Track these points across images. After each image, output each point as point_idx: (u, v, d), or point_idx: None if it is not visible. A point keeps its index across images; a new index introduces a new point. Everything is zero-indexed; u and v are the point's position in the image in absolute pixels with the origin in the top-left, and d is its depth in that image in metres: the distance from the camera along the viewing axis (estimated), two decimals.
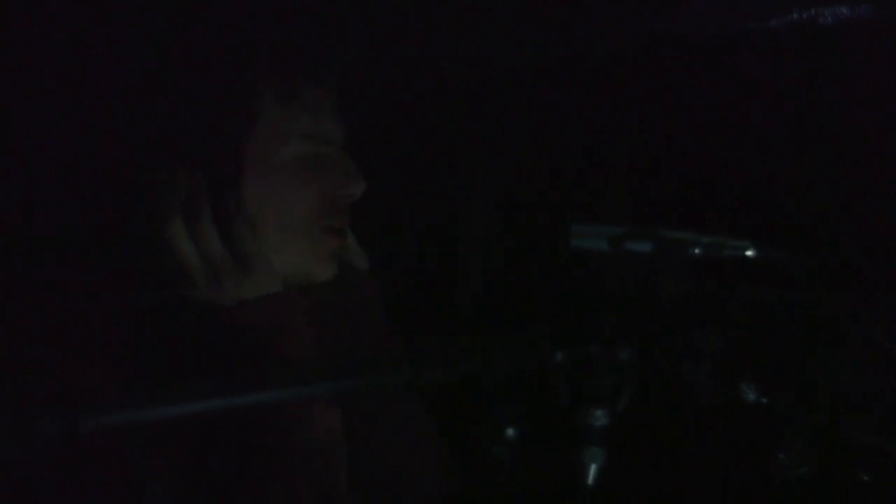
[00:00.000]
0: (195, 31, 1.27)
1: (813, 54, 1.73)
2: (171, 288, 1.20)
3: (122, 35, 1.27)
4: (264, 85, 1.27)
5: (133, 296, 1.21)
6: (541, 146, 2.03)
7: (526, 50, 1.94)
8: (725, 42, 1.80)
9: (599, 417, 1.00)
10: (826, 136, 1.75)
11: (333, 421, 1.24)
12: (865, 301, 1.21)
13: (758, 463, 1.06)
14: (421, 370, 0.99)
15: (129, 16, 1.27)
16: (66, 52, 1.29)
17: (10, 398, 1.09)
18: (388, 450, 1.37)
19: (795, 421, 1.04)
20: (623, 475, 1.04)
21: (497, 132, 2.07)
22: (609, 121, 1.97)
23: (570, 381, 1.00)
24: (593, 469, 1.00)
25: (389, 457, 1.37)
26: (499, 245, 2.11)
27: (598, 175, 2.01)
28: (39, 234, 1.26)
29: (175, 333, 1.18)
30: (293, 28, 1.32)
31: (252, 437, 1.16)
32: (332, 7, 1.40)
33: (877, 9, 1.64)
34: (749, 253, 1.07)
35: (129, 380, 1.13)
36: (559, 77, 1.97)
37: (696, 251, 1.07)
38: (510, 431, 1.03)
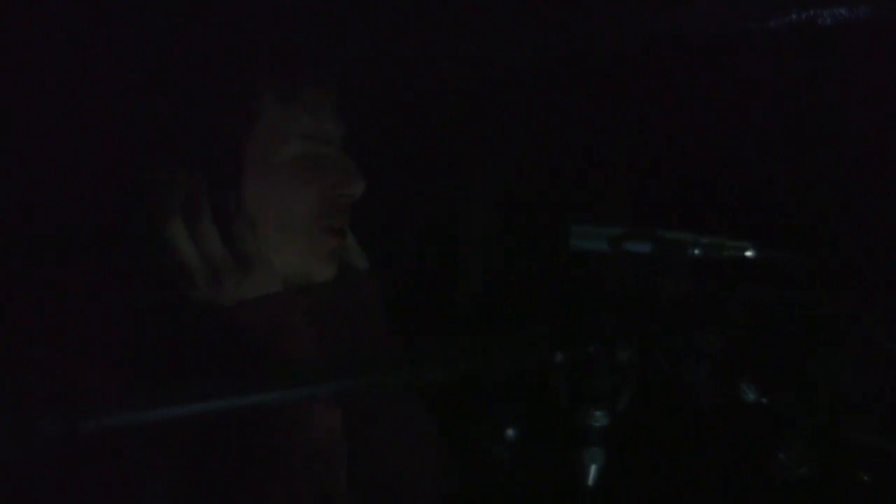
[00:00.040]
0: (195, 31, 1.27)
1: (812, 55, 1.73)
2: (172, 288, 1.20)
3: (122, 35, 1.27)
4: (264, 85, 1.27)
5: (133, 296, 1.21)
6: (541, 146, 2.03)
7: (526, 50, 1.94)
8: (725, 42, 1.80)
9: (599, 418, 1.00)
10: (826, 136, 1.75)
11: (333, 421, 1.24)
12: (865, 301, 1.21)
13: (758, 463, 1.06)
14: (421, 370, 0.99)
15: (130, 16, 1.27)
16: (67, 53, 1.29)
17: (10, 398, 1.09)
18: (388, 450, 1.36)
19: (795, 421, 1.04)
20: (623, 475, 1.04)
21: (497, 132, 2.07)
22: (609, 121, 1.97)
23: (570, 381, 1.00)
24: (593, 469, 1.00)
25: (389, 457, 1.37)
26: (499, 245, 2.11)
27: (598, 175, 2.01)
28: (39, 234, 1.26)
29: (175, 333, 1.18)
30: (293, 28, 1.32)
31: (252, 438, 1.16)
32: (332, 7, 1.40)
33: (875, 10, 1.64)
34: (748, 253, 1.07)
35: (129, 380, 1.13)
36: (559, 77, 1.97)
37: (696, 252, 1.07)
38: (510, 431, 1.03)
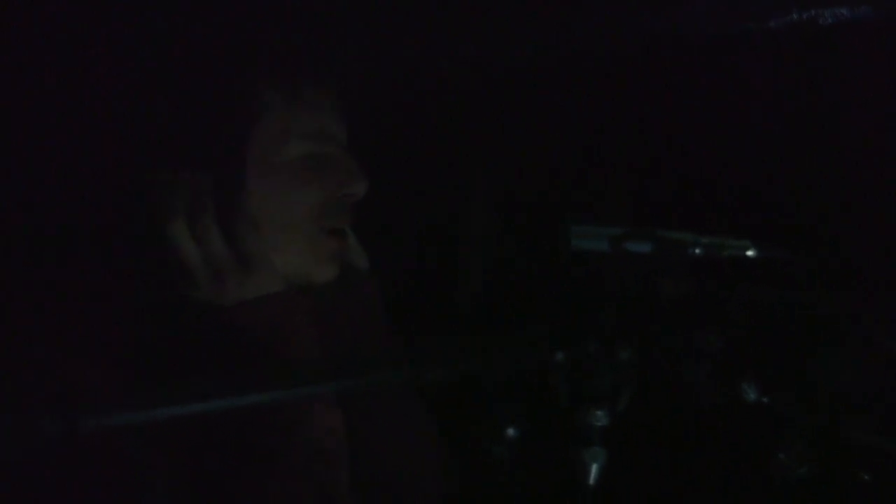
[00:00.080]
0: (198, 31, 1.27)
1: (813, 54, 1.73)
2: (174, 288, 1.21)
3: (124, 36, 1.27)
4: (266, 85, 1.27)
5: (135, 296, 1.21)
6: (541, 146, 2.03)
7: (526, 50, 1.94)
8: (725, 42, 1.80)
9: (600, 417, 1.00)
10: (826, 136, 1.75)
11: (334, 421, 1.24)
12: (865, 301, 1.21)
13: (758, 462, 1.06)
14: (421, 370, 0.99)
15: (133, 16, 1.27)
16: (70, 53, 1.29)
17: (10, 398, 1.09)
18: (388, 450, 1.37)
19: (795, 421, 1.04)
20: (624, 475, 1.04)
21: (497, 132, 2.07)
22: (609, 121, 1.97)
23: (570, 380, 1.00)
24: (594, 469, 1.00)
25: (389, 457, 1.37)
26: (499, 245, 2.11)
27: (598, 175, 2.01)
28: (41, 234, 1.26)
29: (177, 333, 1.18)
30: (295, 28, 1.32)
31: (253, 438, 1.16)
32: (334, 7, 1.40)
33: (876, 9, 1.64)
34: (749, 253, 1.07)
35: (130, 380, 1.13)
36: (559, 77, 1.97)
37: (696, 251, 1.07)
38: (510, 431, 1.03)
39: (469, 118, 2.07)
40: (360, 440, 1.29)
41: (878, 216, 1.70)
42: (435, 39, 1.90)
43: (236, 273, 1.21)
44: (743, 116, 1.81)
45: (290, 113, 1.29)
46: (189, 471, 1.15)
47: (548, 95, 1.99)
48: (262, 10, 1.31)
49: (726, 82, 1.81)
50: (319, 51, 1.33)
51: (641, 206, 1.96)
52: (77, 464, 1.08)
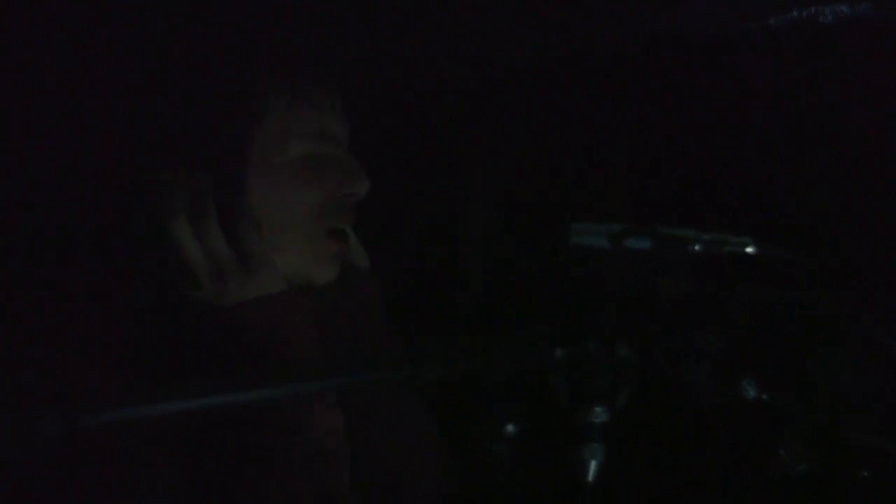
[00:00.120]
0: (200, 31, 1.27)
1: (813, 53, 1.73)
2: (175, 288, 1.21)
3: (126, 35, 1.27)
4: (268, 85, 1.27)
5: (136, 295, 1.21)
6: (541, 146, 2.03)
7: (526, 50, 1.94)
8: (725, 42, 1.80)
9: (599, 414, 1.00)
10: (826, 136, 1.75)
11: (335, 421, 1.24)
12: (865, 301, 1.21)
13: (758, 460, 1.06)
14: (421, 370, 0.99)
15: (134, 16, 1.27)
16: (72, 53, 1.29)
17: (10, 398, 1.09)
18: (388, 450, 1.36)
19: (795, 419, 1.04)
20: (623, 473, 1.04)
21: (497, 132, 2.07)
22: (609, 121, 1.97)
23: (570, 378, 1.00)
24: (593, 465, 1.00)
25: (389, 457, 1.36)
26: (499, 245, 2.11)
27: (599, 175, 2.01)
28: (42, 234, 1.26)
29: (178, 333, 1.18)
30: (295, 28, 1.32)
31: (253, 438, 1.16)
32: (335, 7, 1.40)
33: (877, 7, 1.64)
34: (749, 249, 1.07)
35: (131, 380, 1.13)
36: (559, 77, 1.97)
37: (696, 248, 1.07)
38: (510, 429, 1.03)
39: (469, 118, 2.07)
40: (360, 440, 1.29)
41: (878, 216, 1.70)
42: (435, 39, 1.90)
43: (237, 273, 1.20)
44: (743, 115, 1.81)
45: (291, 113, 1.28)
46: (189, 471, 1.15)
47: (548, 95, 1.99)
48: (262, 10, 1.31)
49: (726, 81, 1.81)
50: (320, 51, 1.33)
51: (642, 208, 1.96)
52: (77, 464, 1.08)
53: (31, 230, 1.27)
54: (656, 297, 1.06)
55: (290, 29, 1.32)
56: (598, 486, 0.99)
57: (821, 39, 1.70)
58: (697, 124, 1.85)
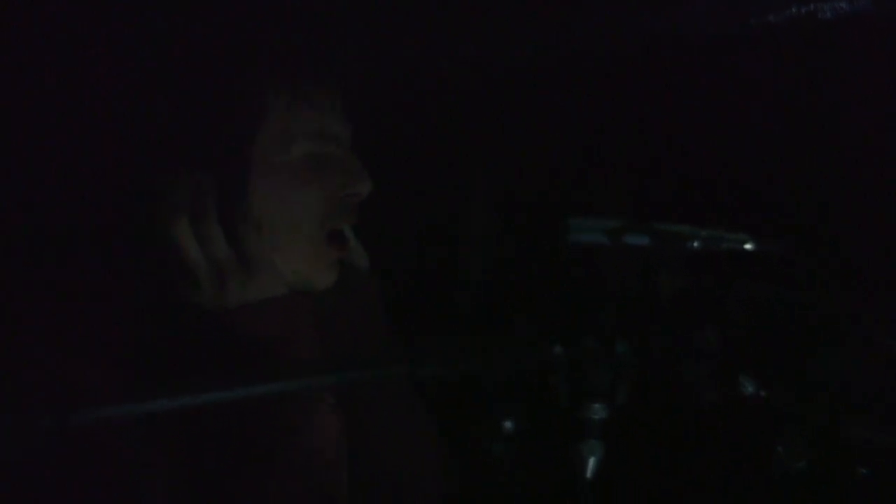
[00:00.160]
0: (201, 31, 1.27)
1: (812, 50, 1.73)
2: (176, 289, 1.20)
3: (127, 36, 1.27)
4: (270, 85, 1.27)
5: (136, 297, 1.21)
6: (540, 146, 2.03)
7: (526, 50, 1.94)
8: (725, 42, 1.80)
9: (598, 411, 1.00)
10: (826, 135, 1.75)
11: (335, 422, 1.24)
12: (865, 301, 1.21)
13: (756, 458, 1.06)
14: (421, 370, 0.99)
15: (136, 16, 1.27)
16: (72, 53, 1.29)
17: (9, 397, 1.10)
18: (388, 450, 1.37)
19: (794, 417, 1.04)
20: (621, 470, 1.04)
21: (497, 132, 2.07)
22: (609, 121, 1.97)
23: (569, 376, 1.00)
24: (591, 462, 1.00)
25: (389, 457, 1.37)
26: (499, 245, 2.11)
27: (599, 175, 2.01)
28: (42, 234, 1.26)
29: (178, 335, 1.18)
30: (296, 29, 1.32)
31: (254, 439, 1.16)
32: (335, 7, 1.40)
33: (876, 3, 1.64)
34: (747, 246, 1.07)
35: (131, 381, 1.13)
36: (559, 77, 1.97)
37: (695, 244, 1.07)
38: (509, 428, 1.03)
39: (469, 118, 2.07)
40: (360, 440, 1.29)
41: (878, 216, 1.70)
42: (435, 39, 1.90)
43: (239, 275, 1.20)
44: (742, 115, 1.81)
45: (292, 113, 1.28)
46: (189, 471, 1.15)
47: (548, 95, 2.00)
48: (262, 10, 1.31)
49: (726, 80, 1.81)
50: (320, 51, 1.33)
51: (641, 208, 1.96)
52: (76, 463, 1.08)
53: (32, 230, 1.27)
54: (655, 294, 1.06)
55: (290, 29, 1.31)
56: (597, 482, 0.99)
57: (820, 36, 1.70)
58: (697, 122, 1.85)
